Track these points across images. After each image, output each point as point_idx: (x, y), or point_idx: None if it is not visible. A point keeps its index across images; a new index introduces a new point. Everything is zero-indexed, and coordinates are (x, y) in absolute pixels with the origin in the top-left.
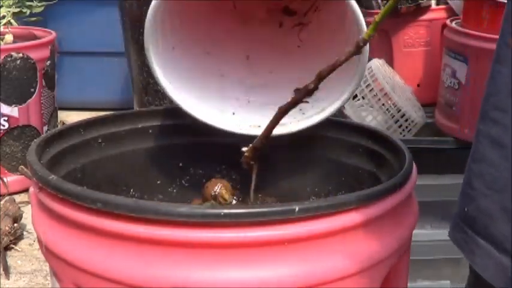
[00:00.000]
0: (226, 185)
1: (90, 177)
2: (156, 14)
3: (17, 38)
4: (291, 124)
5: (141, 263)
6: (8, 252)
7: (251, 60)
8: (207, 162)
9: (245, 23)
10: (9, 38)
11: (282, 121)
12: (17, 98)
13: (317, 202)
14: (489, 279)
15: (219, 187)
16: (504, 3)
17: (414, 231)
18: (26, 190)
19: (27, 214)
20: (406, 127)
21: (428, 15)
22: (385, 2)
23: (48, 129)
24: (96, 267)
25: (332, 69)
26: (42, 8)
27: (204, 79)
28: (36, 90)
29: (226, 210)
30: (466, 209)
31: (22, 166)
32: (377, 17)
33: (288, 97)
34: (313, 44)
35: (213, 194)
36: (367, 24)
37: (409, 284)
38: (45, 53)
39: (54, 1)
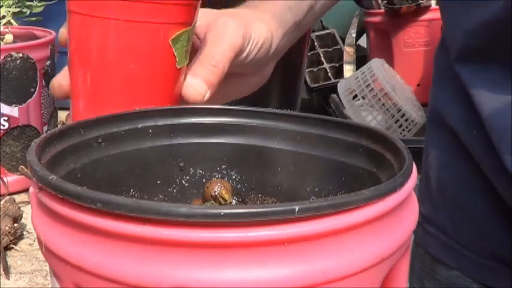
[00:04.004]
0: (226, 185)
1: (90, 177)
2: None
3: (17, 38)
4: None
5: (141, 263)
6: (8, 252)
7: None
8: (207, 162)
9: None
10: (9, 38)
11: None
12: (17, 98)
13: (317, 202)
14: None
15: (219, 187)
16: None
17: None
18: (26, 190)
19: (27, 214)
20: (406, 127)
21: (428, 15)
22: (385, 1)
23: (48, 129)
24: (96, 267)
25: None
26: (42, 8)
27: None
28: (36, 90)
29: (226, 210)
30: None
31: (22, 166)
32: None
33: None
34: None
35: (213, 194)
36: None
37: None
38: (45, 53)
39: (54, 1)
